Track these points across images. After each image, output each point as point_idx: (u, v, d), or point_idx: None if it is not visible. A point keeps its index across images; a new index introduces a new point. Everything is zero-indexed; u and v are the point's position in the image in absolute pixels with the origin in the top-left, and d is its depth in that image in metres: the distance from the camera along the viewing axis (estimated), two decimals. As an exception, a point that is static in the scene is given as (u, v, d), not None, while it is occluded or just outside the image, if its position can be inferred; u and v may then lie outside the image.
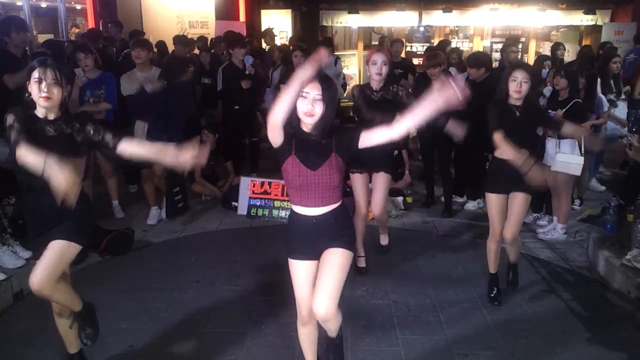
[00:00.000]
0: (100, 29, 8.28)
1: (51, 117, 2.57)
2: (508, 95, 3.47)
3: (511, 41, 7.48)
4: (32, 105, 2.56)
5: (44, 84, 2.47)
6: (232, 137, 6.52)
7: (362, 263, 4.24)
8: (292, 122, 2.40)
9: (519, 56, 6.72)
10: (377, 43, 9.54)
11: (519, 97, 3.43)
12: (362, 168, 4.02)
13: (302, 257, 2.53)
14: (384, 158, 4.01)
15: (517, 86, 3.40)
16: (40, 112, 2.57)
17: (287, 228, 2.60)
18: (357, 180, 4.05)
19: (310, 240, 2.50)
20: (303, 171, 2.42)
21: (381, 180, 4.04)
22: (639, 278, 3.85)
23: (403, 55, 7.86)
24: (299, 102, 2.34)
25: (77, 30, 10.40)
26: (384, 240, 4.40)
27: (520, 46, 12.37)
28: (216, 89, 6.36)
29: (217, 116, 6.72)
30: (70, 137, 2.57)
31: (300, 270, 2.55)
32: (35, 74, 2.48)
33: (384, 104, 3.92)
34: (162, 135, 5.02)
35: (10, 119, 2.46)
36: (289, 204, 5.33)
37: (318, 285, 2.45)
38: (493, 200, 3.61)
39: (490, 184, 3.64)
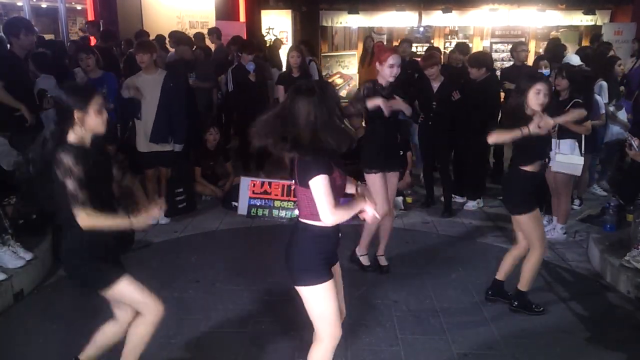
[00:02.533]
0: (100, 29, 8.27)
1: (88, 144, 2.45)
2: (526, 106, 3.31)
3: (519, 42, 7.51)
4: (63, 136, 2.38)
5: (105, 114, 2.44)
6: (244, 136, 6.69)
7: (384, 262, 4.36)
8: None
9: (528, 55, 6.72)
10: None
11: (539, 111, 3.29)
12: (380, 168, 4.04)
13: (331, 275, 2.41)
14: (398, 157, 4.26)
15: (543, 98, 3.26)
16: (80, 140, 2.41)
17: (313, 250, 2.37)
18: (377, 180, 4.01)
19: (334, 253, 2.45)
20: (343, 179, 2.35)
21: (394, 180, 4.21)
22: (638, 278, 3.85)
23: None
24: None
25: (81, 34, 10.38)
26: (384, 260, 4.34)
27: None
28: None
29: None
30: (109, 161, 2.61)
31: (333, 289, 2.39)
32: (98, 102, 2.39)
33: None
34: (167, 137, 5.05)
35: (69, 158, 2.28)
36: (289, 203, 5.43)
37: (340, 300, 2.52)
38: (534, 216, 3.45)
39: (526, 204, 3.45)
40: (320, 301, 2.39)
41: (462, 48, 7.14)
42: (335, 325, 2.43)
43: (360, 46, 13.49)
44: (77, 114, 2.35)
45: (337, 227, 2.40)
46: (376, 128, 4.06)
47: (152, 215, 2.47)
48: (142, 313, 2.60)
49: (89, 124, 2.38)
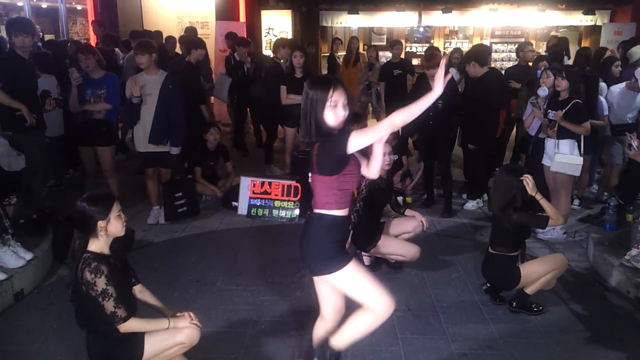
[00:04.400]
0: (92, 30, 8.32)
1: (108, 251, 2.55)
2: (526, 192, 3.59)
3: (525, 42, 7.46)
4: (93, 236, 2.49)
5: (123, 217, 2.55)
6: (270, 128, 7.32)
7: None
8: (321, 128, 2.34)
9: (534, 55, 6.73)
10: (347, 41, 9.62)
11: None
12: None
13: (349, 255, 2.50)
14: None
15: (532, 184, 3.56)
16: (102, 248, 2.51)
17: (328, 239, 2.44)
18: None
19: (345, 243, 2.53)
20: (359, 169, 2.45)
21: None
22: (638, 278, 3.86)
23: (402, 55, 7.93)
24: (328, 112, 2.30)
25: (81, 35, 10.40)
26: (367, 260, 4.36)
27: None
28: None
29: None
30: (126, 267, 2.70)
31: (358, 266, 2.48)
32: (117, 208, 2.51)
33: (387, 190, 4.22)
34: (163, 139, 5.04)
35: (102, 280, 2.39)
36: (289, 203, 5.43)
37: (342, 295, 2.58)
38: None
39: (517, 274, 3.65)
40: (353, 280, 2.45)
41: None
42: (383, 294, 2.46)
43: (361, 46, 13.55)
44: (100, 224, 2.46)
45: (348, 218, 2.49)
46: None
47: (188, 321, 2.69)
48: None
49: (111, 230, 2.49)
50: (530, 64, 6.53)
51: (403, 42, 13.62)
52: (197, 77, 6.42)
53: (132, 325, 2.48)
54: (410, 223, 4.26)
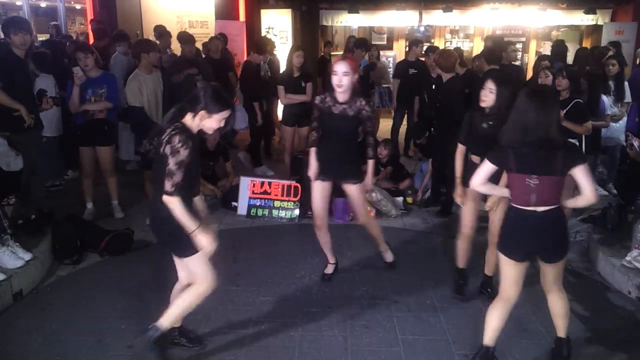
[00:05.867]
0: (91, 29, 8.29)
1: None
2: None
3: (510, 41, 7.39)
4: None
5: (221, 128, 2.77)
6: None
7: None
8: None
9: (520, 55, 6.71)
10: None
11: (485, 105, 3.52)
12: (325, 176, 3.86)
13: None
14: (350, 167, 3.85)
15: (485, 94, 3.48)
16: (192, 127, 2.73)
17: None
18: (316, 188, 3.89)
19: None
20: None
21: (353, 192, 3.90)
22: (639, 278, 3.85)
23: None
24: None
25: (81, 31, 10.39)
26: (389, 257, 4.31)
27: (520, 46, 12.38)
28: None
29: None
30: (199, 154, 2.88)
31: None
32: (224, 116, 2.72)
33: (342, 120, 3.70)
34: None
35: (186, 152, 2.59)
36: (289, 203, 5.42)
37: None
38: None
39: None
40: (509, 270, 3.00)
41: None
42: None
43: (360, 46, 13.51)
44: (202, 113, 2.67)
45: None
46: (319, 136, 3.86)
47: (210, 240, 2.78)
48: (198, 283, 2.89)
49: (206, 125, 2.72)
50: (515, 63, 6.52)
51: (404, 41, 13.64)
52: (252, 73, 6.92)
53: (175, 202, 2.62)
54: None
